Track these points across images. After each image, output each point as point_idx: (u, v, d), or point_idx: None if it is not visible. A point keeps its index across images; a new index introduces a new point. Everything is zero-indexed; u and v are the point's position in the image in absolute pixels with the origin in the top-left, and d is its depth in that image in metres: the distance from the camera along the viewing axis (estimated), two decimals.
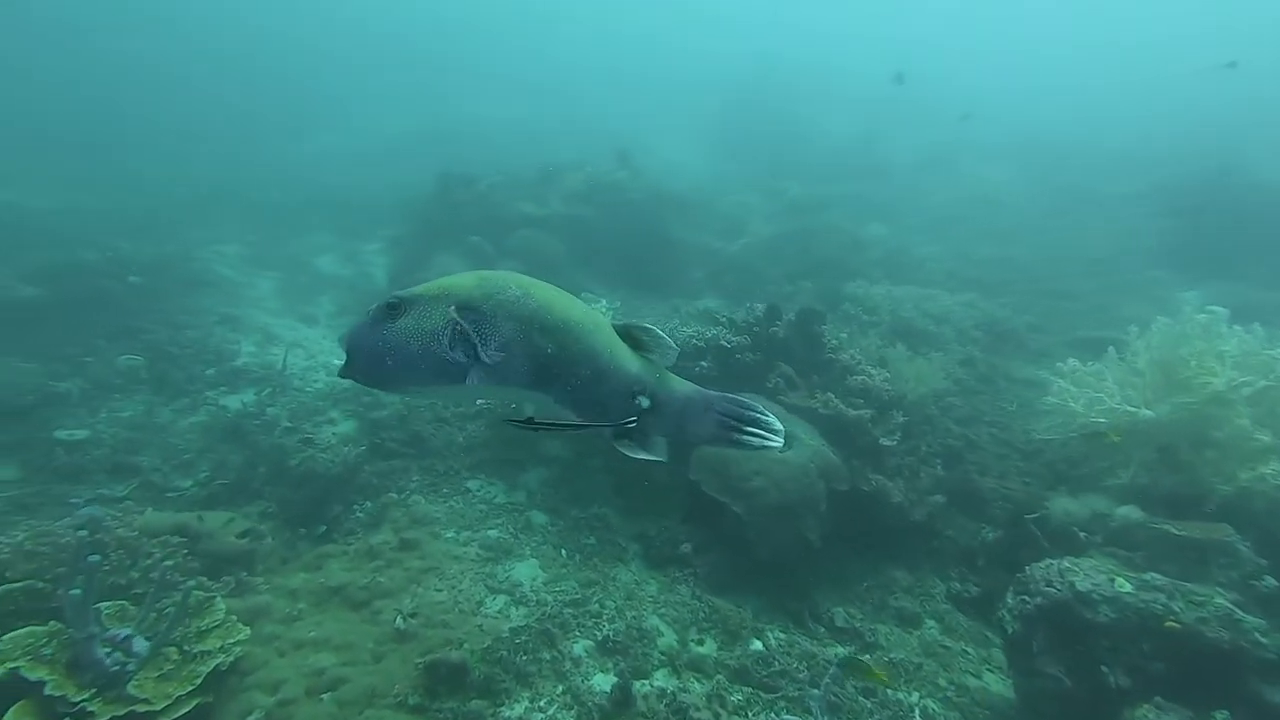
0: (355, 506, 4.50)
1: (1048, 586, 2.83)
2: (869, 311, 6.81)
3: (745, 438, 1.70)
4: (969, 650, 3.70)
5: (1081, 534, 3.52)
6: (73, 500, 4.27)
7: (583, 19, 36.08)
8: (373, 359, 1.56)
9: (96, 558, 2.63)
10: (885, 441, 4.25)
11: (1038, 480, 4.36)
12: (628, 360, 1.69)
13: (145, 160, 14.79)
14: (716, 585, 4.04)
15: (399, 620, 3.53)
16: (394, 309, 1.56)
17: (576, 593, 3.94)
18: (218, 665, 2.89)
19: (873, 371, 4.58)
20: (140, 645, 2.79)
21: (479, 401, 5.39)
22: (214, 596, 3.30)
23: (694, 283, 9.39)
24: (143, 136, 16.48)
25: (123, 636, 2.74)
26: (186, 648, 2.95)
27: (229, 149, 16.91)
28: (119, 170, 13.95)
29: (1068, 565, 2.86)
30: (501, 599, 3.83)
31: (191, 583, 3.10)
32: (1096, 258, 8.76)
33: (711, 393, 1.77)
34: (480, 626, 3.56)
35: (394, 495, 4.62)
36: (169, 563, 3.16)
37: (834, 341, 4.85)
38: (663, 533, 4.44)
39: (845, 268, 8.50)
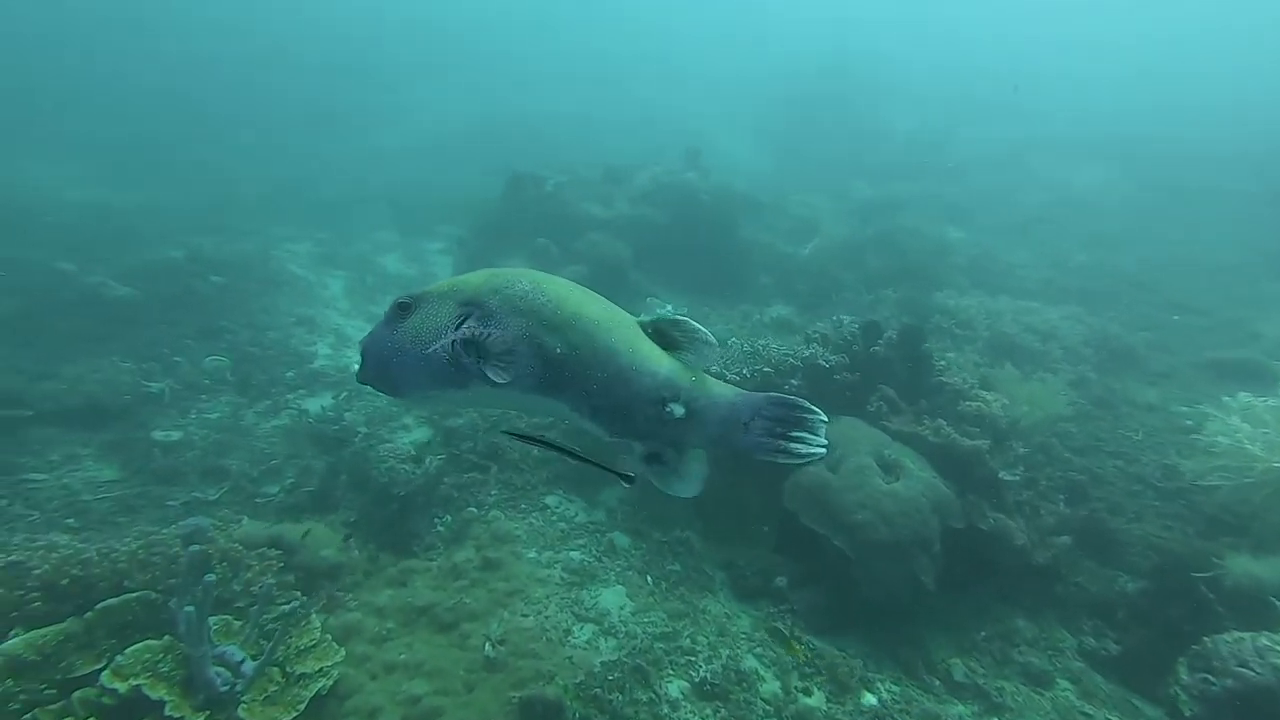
0: (435, 520, 4.42)
1: (1241, 667, 2.42)
2: (963, 325, 6.32)
3: (793, 446, 1.47)
4: None
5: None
6: (170, 503, 4.36)
7: (636, 15, 35.86)
8: (380, 362, 1.47)
9: (212, 578, 2.60)
10: (1006, 476, 3.85)
11: (1192, 529, 3.87)
12: (655, 362, 1.46)
13: (215, 156, 15.41)
14: (817, 625, 3.75)
15: (488, 647, 3.40)
16: (404, 309, 1.47)
17: (666, 625, 3.72)
18: (319, 690, 2.82)
19: (988, 397, 4.18)
20: (248, 666, 2.75)
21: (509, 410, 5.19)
22: (308, 613, 3.24)
23: (762, 288, 9.04)
24: (211, 132, 17.21)
25: (234, 658, 2.69)
26: (289, 669, 2.90)
27: (293, 144, 17.49)
28: (193, 166, 14.59)
29: (1267, 644, 2.44)
30: (589, 628, 3.66)
31: (296, 603, 3.05)
32: (1219, 266, 7.92)
33: (757, 394, 1.53)
34: (570, 659, 3.40)
35: (474, 510, 4.52)
36: (271, 580, 3.12)
37: (941, 362, 4.46)
38: (752, 562, 4.18)
39: (929, 275, 7.98)
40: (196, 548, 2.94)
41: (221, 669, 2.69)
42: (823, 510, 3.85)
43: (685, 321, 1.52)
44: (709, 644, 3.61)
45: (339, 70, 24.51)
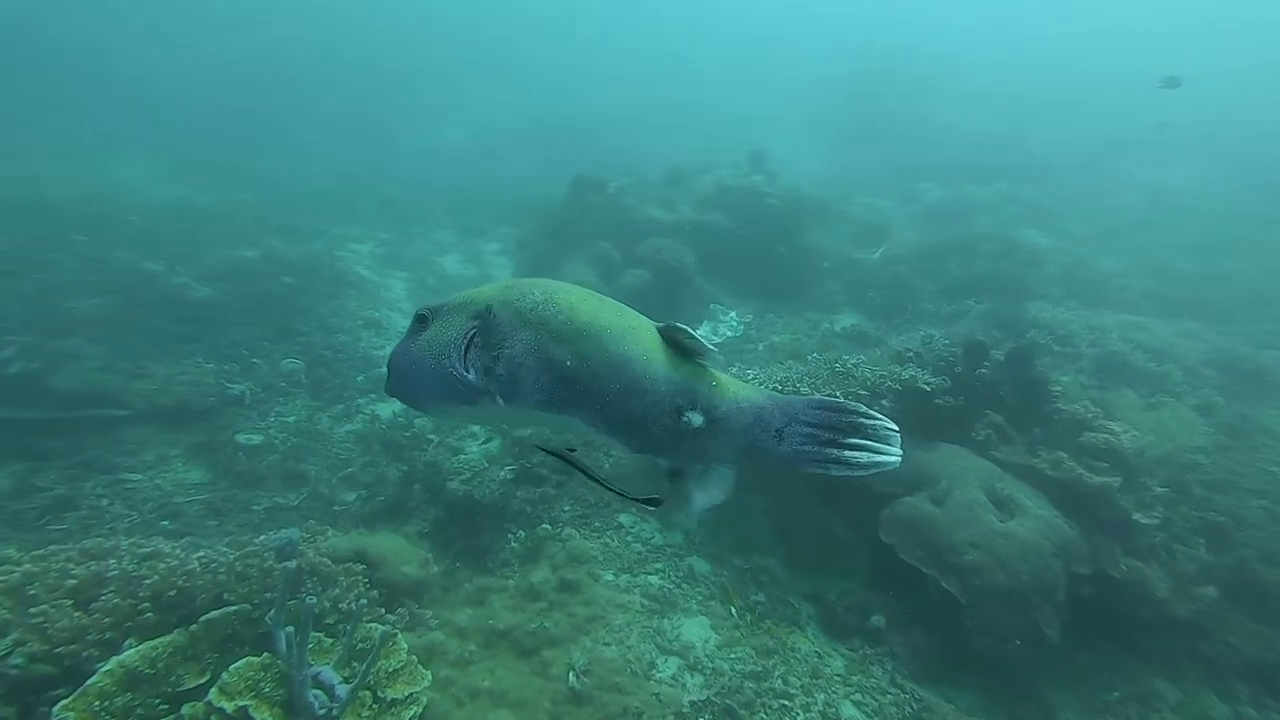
0: (509, 535, 4.32)
1: None
2: (1062, 342, 5.82)
3: (850, 455, 1.25)
4: None
5: None
6: (254, 508, 4.41)
7: (683, 16, 35.53)
8: (400, 375, 1.44)
9: (314, 600, 2.55)
10: (1143, 519, 3.44)
11: None
12: (670, 369, 1.33)
13: (280, 154, 15.99)
14: (921, 672, 3.45)
15: (572, 678, 3.26)
16: (422, 321, 1.45)
17: (754, 662, 3.50)
18: (412, 718, 2.73)
19: (1115, 427, 3.76)
20: (341, 689, 2.68)
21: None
22: (395, 634, 3.17)
23: (829, 295, 8.66)
24: (276, 130, 17.88)
25: (329, 680, 2.64)
26: (379, 693, 2.82)
27: (352, 143, 18.00)
28: (260, 165, 15.17)
29: None
30: (674, 662, 3.47)
31: (389, 627, 2.98)
32: None
33: (794, 398, 1.36)
34: (657, 695, 3.22)
35: (547, 527, 4.40)
36: (363, 600, 3.06)
37: (1058, 387, 4.06)
38: (844, 597, 3.90)
39: (1016, 285, 7.44)
40: (291, 564, 2.90)
41: (318, 691, 2.64)
42: (927, 547, 3.55)
43: (685, 329, 1.39)
44: (802, 686, 3.36)
45: (391, 73, 25.18)
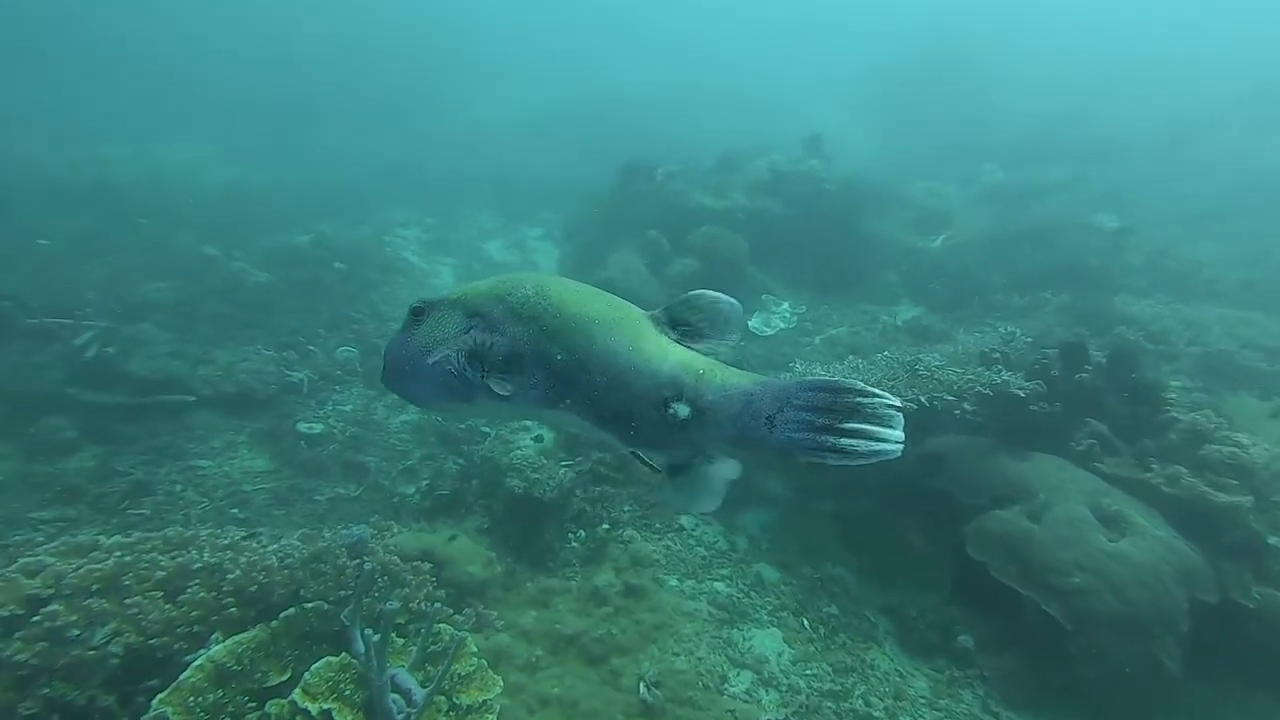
0: (570, 534, 4.22)
1: None
2: (1156, 339, 5.35)
3: (847, 443, 1.14)
4: None
5: None
6: (317, 498, 4.43)
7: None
8: (395, 369, 1.45)
9: (394, 605, 2.50)
10: (1277, 541, 3.10)
11: None
12: (659, 358, 1.28)
13: (324, 135, 16.11)
14: (1016, 699, 3.21)
15: (642, 689, 3.15)
16: (417, 315, 1.44)
17: (832, 680, 3.32)
18: None
19: (1243, 439, 3.39)
20: (418, 694, 2.63)
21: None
22: (465, 637, 3.11)
23: (888, 286, 8.24)
24: (323, 110, 18.02)
25: (406, 684, 2.59)
26: (455, 699, 2.77)
27: (393, 125, 18.04)
28: (307, 146, 15.33)
29: None
30: (747, 676, 3.32)
31: (461, 631, 2.92)
32: None
33: (787, 382, 1.24)
34: (732, 712, 3.08)
35: (607, 527, 4.29)
36: (436, 604, 3.01)
37: (1172, 394, 3.69)
38: (926, 614, 3.67)
39: (1097, 276, 6.90)
40: (367, 565, 2.85)
41: (396, 696, 2.60)
42: (1024, 566, 3.28)
43: (699, 296, 1.33)
44: (886, 709, 3.18)
45: (425, 54, 25.12)
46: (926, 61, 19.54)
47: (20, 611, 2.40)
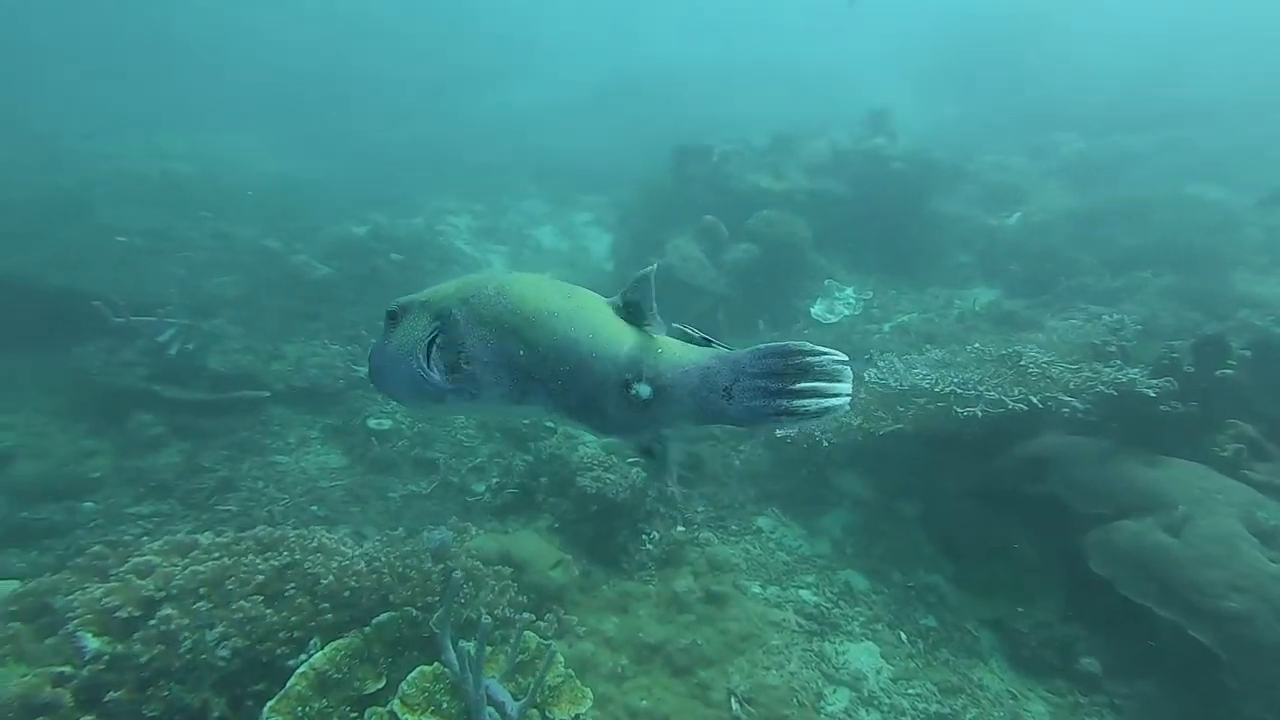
0: (644, 536, 4.10)
1: None
2: None
3: (799, 404, 1.16)
4: None
5: None
6: (390, 495, 4.44)
7: None
8: (377, 371, 1.49)
9: (489, 620, 2.43)
10: None
11: None
12: (616, 343, 1.30)
13: (365, 123, 16.18)
14: None
15: (735, 706, 3.01)
16: (392, 318, 1.46)
17: (938, 701, 3.10)
18: None
19: None
20: (512, 708, 2.56)
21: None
22: (550, 645, 3.03)
23: (959, 268, 7.75)
24: (366, 93, 18.09)
25: (499, 696, 2.53)
26: (547, 714, 2.69)
27: (429, 106, 17.98)
28: (354, 133, 15.47)
29: None
30: (844, 694, 3.14)
31: (548, 641, 2.84)
32: None
33: (739, 353, 1.26)
34: None
35: (682, 529, 4.15)
36: (525, 614, 2.94)
37: None
38: (1038, 630, 3.40)
39: (1207, 254, 6.27)
40: (457, 574, 2.79)
41: (491, 709, 2.53)
42: (1162, 586, 2.97)
43: (643, 277, 1.31)
44: None
45: (469, 34, 24.97)
46: (991, 26, 18.28)
47: (138, 613, 2.43)
